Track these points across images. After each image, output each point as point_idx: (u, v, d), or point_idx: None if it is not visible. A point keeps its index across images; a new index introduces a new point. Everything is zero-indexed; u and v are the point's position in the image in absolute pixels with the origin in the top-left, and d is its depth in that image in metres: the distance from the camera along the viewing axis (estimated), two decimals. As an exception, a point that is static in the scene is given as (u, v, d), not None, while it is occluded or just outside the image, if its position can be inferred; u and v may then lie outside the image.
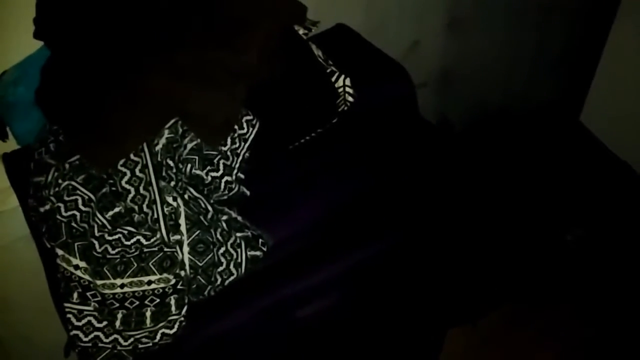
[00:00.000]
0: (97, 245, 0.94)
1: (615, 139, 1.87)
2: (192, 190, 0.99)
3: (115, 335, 0.94)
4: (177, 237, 0.94)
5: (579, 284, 1.88)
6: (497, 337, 1.81)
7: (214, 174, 1.01)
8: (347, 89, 1.17)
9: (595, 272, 1.89)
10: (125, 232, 0.95)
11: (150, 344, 0.95)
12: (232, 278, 1.01)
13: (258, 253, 1.04)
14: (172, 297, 0.95)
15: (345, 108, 1.18)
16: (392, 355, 1.46)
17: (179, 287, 0.95)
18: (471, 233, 1.57)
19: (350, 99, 1.18)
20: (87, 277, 0.94)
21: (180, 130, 1.00)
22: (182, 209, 0.95)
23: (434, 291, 1.42)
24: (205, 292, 0.99)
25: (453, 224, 1.37)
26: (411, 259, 1.26)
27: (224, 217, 1.02)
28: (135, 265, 0.93)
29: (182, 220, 0.94)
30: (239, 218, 1.05)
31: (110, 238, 0.95)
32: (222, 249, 0.99)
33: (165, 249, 0.95)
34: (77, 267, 0.94)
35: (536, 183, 1.76)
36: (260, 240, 1.05)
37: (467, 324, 1.74)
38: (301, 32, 1.18)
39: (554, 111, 2.00)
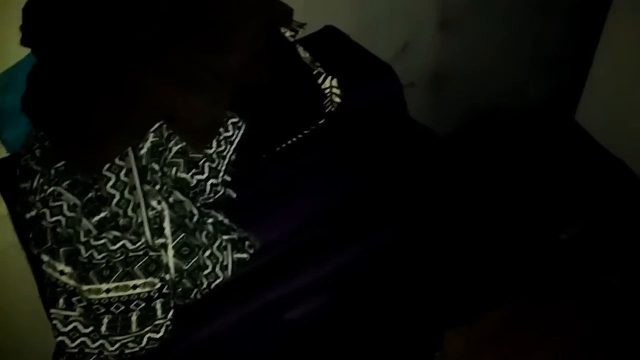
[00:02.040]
0: (83, 251, 0.94)
1: (610, 137, 1.86)
2: (177, 193, 0.99)
3: (102, 341, 0.94)
4: (162, 240, 0.94)
5: (575, 281, 1.88)
6: (495, 336, 1.80)
7: (199, 176, 1.00)
8: (334, 90, 1.17)
9: (591, 270, 1.89)
10: (111, 236, 0.95)
11: (137, 349, 0.95)
12: (218, 281, 1.00)
13: (245, 255, 1.03)
14: (157, 301, 0.94)
15: (333, 109, 1.18)
16: (387, 357, 1.45)
17: (164, 291, 0.95)
18: (465, 233, 1.56)
19: (337, 99, 1.17)
20: (72, 282, 0.94)
21: (166, 133, 1.01)
22: (166, 212, 0.95)
23: (428, 292, 1.41)
24: (192, 296, 0.99)
25: (445, 224, 1.36)
26: (402, 260, 1.26)
27: (210, 220, 1.02)
28: (121, 269, 0.93)
29: (166, 224, 0.94)
30: (226, 221, 1.05)
31: (96, 243, 0.95)
32: (208, 252, 0.98)
33: (151, 253, 0.95)
34: (62, 272, 0.94)
35: (532, 182, 1.75)
36: (247, 242, 1.04)
37: (463, 324, 1.73)
38: (288, 34, 1.18)
39: (549, 110, 1.99)
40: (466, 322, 1.75)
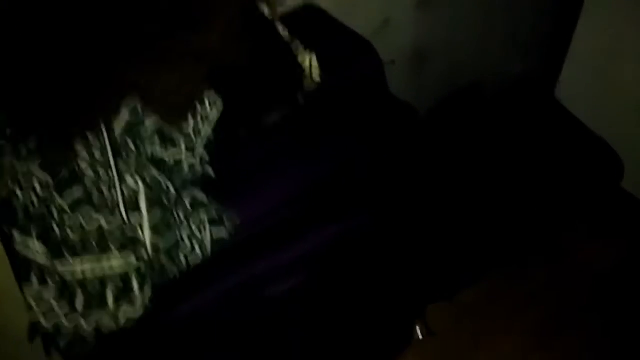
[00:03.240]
0: (56, 229, 0.93)
1: (589, 113, 1.87)
2: (153, 171, 0.98)
3: (78, 319, 0.93)
4: (138, 218, 0.93)
5: (552, 255, 1.91)
6: (476, 310, 1.82)
7: (175, 154, 0.99)
8: (314, 67, 1.15)
9: (569, 243, 1.92)
10: (85, 215, 0.94)
11: (114, 327, 0.94)
12: (197, 260, 1.00)
13: (224, 234, 1.03)
14: (134, 279, 0.94)
15: (313, 86, 1.17)
16: (367, 333, 1.46)
17: (141, 269, 0.94)
18: (443, 211, 1.56)
19: (317, 77, 1.16)
20: (46, 261, 0.92)
21: (140, 110, 0.99)
22: (142, 190, 0.93)
23: (407, 269, 1.42)
24: (170, 274, 0.98)
25: (423, 203, 1.37)
26: (383, 236, 1.26)
27: (188, 198, 1.01)
28: (96, 247, 0.92)
29: (142, 201, 0.93)
30: (204, 199, 1.04)
31: (69, 221, 0.93)
32: (186, 230, 0.98)
33: (127, 231, 0.93)
34: (35, 251, 0.92)
35: (511, 158, 1.75)
36: (226, 221, 1.04)
37: (443, 300, 1.75)
38: (266, 12, 1.16)
39: (530, 87, 1.99)
40: (446, 298, 1.76)
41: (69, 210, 0.93)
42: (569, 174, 1.78)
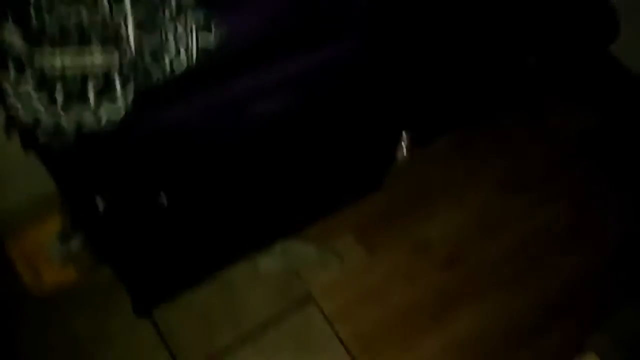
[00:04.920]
0: (33, 14, 0.86)
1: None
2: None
3: (58, 112, 0.89)
4: (121, 12, 0.87)
5: (532, 103, 1.93)
6: (444, 160, 1.87)
7: None
8: None
9: (548, 105, 1.93)
10: (64, 3, 0.87)
11: (95, 125, 0.91)
12: (182, 65, 0.95)
13: (210, 41, 0.98)
14: (117, 76, 0.89)
15: None
16: (345, 157, 1.48)
17: (124, 66, 0.89)
18: (433, 49, 1.53)
19: None
20: (23, 48, 0.87)
21: None
22: (124, -20, 0.86)
23: (391, 102, 1.41)
24: (154, 78, 0.94)
25: (416, 36, 1.32)
26: (371, 65, 1.23)
27: (174, -1, 0.94)
28: (77, 38, 0.86)
29: None
30: (191, 1, 0.97)
31: (47, 5, 0.86)
32: (172, 30, 0.92)
33: (109, 25, 0.87)
34: (12, 35, 0.86)
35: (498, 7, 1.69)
36: (213, 27, 0.98)
37: (419, 146, 1.77)
38: None
39: None
40: (422, 144, 1.78)
41: (45, -2, 0.86)
42: (562, 22, 1.73)
